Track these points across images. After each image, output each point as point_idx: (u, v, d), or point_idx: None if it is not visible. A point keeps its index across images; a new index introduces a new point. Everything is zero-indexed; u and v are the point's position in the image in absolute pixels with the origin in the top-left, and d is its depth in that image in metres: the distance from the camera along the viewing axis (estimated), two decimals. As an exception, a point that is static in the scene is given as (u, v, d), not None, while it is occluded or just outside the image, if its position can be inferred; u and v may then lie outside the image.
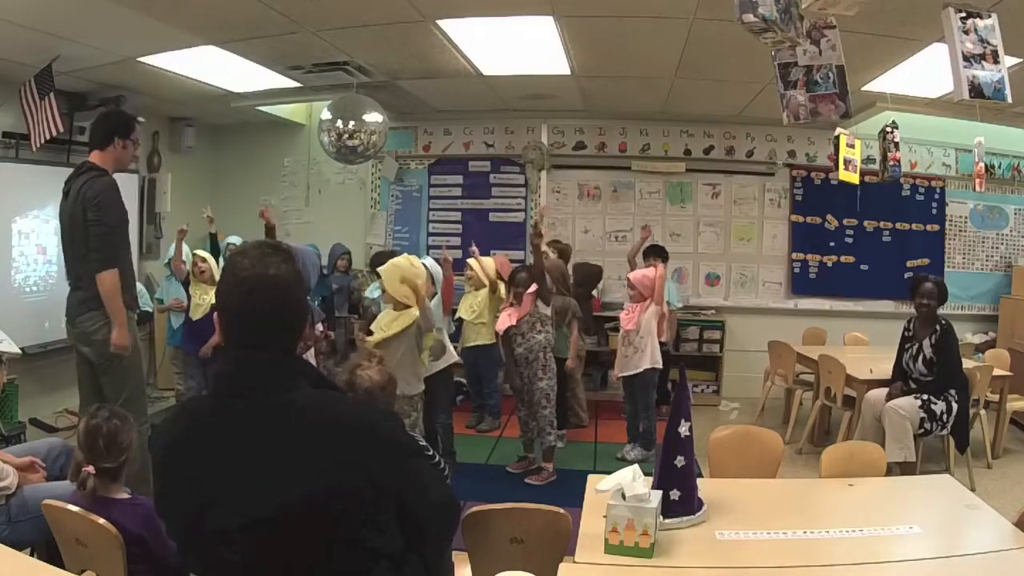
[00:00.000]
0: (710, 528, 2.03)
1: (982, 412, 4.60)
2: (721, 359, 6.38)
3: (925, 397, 4.08)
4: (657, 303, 4.59)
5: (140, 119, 4.96)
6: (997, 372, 4.65)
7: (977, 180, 4.60)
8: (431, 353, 4.10)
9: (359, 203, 7.07)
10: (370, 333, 3.78)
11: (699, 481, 2.12)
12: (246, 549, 1.33)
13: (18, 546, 2.11)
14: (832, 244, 6.57)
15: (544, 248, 4.78)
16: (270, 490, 1.31)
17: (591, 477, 2.24)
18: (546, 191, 6.78)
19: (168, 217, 6.37)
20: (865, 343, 5.81)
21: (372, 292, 5.15)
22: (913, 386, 4.21)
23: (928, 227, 6.53)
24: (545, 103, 6.14)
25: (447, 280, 4.37)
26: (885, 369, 4.44)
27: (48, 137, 4.52)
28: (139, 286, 4.11)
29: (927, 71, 4.24)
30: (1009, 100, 2.75)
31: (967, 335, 6.26)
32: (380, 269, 3.81)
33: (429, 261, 4.40)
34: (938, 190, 6.51)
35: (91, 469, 2.08)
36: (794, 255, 6.62)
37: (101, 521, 1.94)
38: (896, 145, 4.38)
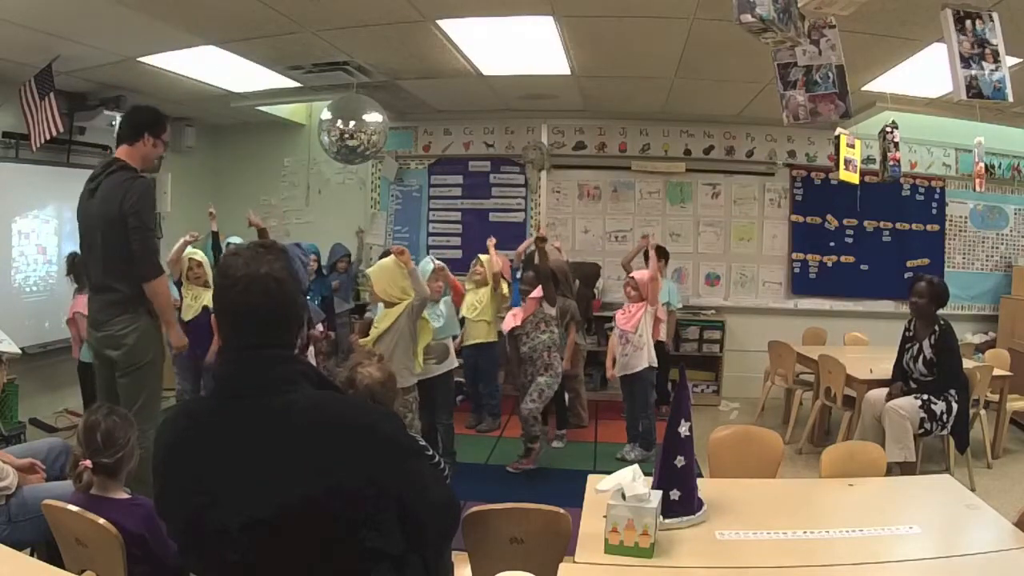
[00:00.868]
0: (710, 528, 2.03)
1: (982, 412, 4.60)
2: (721, 359, 6.38)
3: (925, 397, 4.07)
4: (652, 304, 4.60)
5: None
6: (997, 372, 4.64)
7: (977, 180, 4.60)
8: (435, 357, 4.11)
9: (359, 203, 7.08)
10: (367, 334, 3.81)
11: (699, 481, 2.12)
12: (246, 549, 1.33)
13: (18, 546, 2.11)
14: (832, 244, 6.57)
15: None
16: (270, 490, 1.31)
17: (591, 477, 2.24)
18: (546, 191, 6.78)
19: (168, 217, 6.37)
20: (865, 343, 5.81)
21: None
22: (913, 386, 4.21)
23: (928, 227, 6.53)
24: (545, 103, 6.14)
25: (455, 288, 4.39)
26: (885, 369, 4.44)
27: (48, 137, 4.53)
28: None
29: (927, 71, 4.24)
30: (1010, 99, 2.75)
31: (967, 335, 6.26)
32: (369, 271, 3.84)
33: (425, 261, 4.41)
34: (938, 190, 6.51)
35: (88, 464, 2.08)
36: (794, 255, 6.62)
37: (101, 521, 1.94)
38: (896, 145, 4.38)
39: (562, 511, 2.06)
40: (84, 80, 4.92)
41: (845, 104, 2.98)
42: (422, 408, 3.94)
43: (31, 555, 2.34)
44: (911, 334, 4.34)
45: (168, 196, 6.24)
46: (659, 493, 1.93)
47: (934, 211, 6.53)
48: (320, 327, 5.12)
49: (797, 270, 6.62)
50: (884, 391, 4.25)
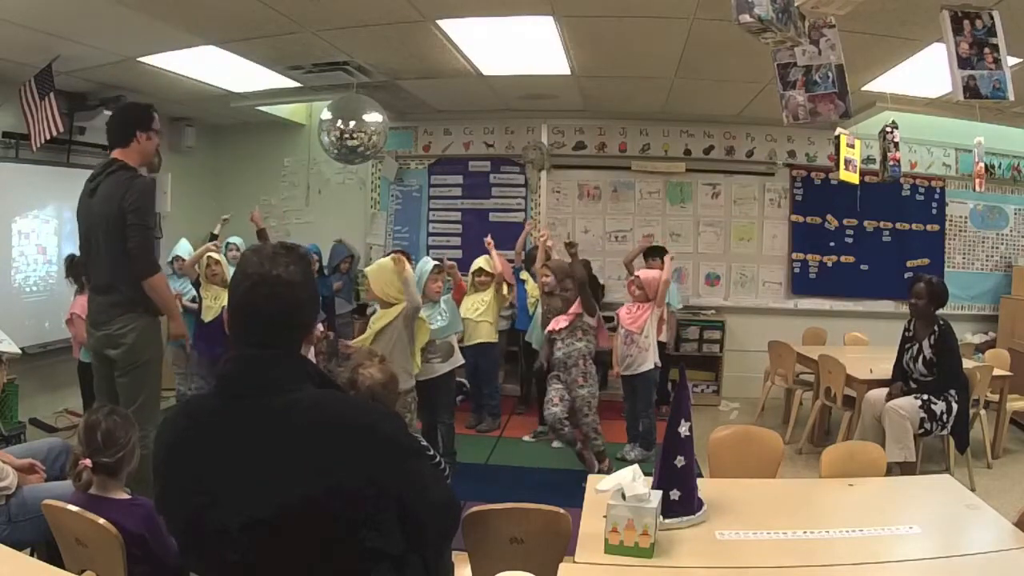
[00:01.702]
0: (710, 528, 2.03)
1: (982, 412, 4.60)
2: (721, 359, 6.38)
3: (925, 397, 4.07)
4: (659, 305, 4.60)
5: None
6: (997, 372, 4.64)
7: (977, 180, 4.60)
8: (440, 355, 4.11)
9: (359, 203, 7.08)
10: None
11: (699, 481, 2.12)
12: (246, 549, 1.33)
13: (18, 546, 2.11)
14: (832, 244, 6.57)
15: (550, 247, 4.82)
16: (270, 490, 1.31)
17: (591, 477, 2.25)
18: (546, 191, 6.78)
19: (168, 217, 6.37)
20: (865, 343, 5.81)
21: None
22: (913, 386, 4.21)
23: (928, 227, 6.53)
24: (545, 103, 6.14)
25: (458, 286, 4.38)
26: (885, 369, 4.44)
27: (48, 137, 4.53)
28: None
29: (927, 71, 4.24)
30: (1011, 98, 2.76)
31: (967, 335, 6.26)
32: (367, 270, 3.83)
33: (423, 261, 4.41)
34: (938, 190, 6.51)
35: (87, 463, 2.09)
36: (794, 255, 6.62)
37: (101, 521, 1.94)
38: (896, 145, 4.38)
39: (562, 511, 2.06)
40: (84, 80, 4.92)
41: (845, 104, 2.99)
42: (422, 408, 3.94)
43: (31, 555, 2.34)
44: (911, 334, 4.34)
45: (168, 196, 6.23)
46: (659, 493, 1.93)
47: (934, 211, 6.53)
48: (320, 327, 5.11)
49: (797, 270, 6.62)
50: (884, 391, 4.25)
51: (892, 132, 4.38)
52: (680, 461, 2.04)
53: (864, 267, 6.55)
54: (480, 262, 5.16)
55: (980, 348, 6.10)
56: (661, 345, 4.97)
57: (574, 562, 1.85)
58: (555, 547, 2.02)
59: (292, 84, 5.35)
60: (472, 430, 5.32)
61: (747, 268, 6.70)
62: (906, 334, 4.39)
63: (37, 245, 5.11)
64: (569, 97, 5.90)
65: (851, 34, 3.21)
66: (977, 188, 4.68)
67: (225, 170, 7.25)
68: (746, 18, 2.16)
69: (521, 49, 4.48)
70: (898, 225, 6.52)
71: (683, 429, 2.05)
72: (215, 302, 4.79)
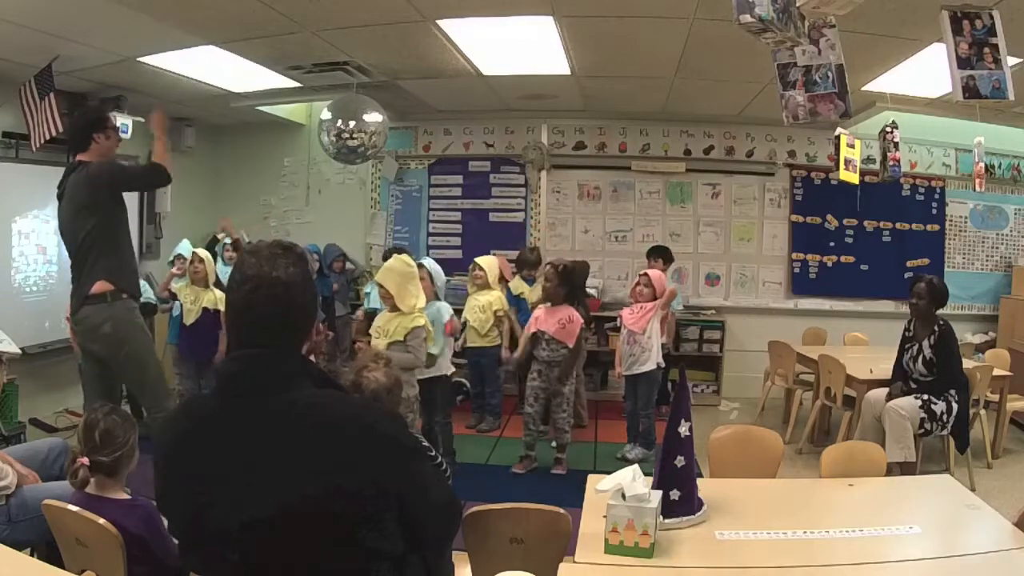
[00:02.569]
0: (710, 528, 2.03)
1: (982, 412, 4.60)
2: (721, 359, 6.38)
3: (925, 397, 4.07)
4: (663, 308, 4.63)
5: (140, 119, 5.00)
6: (997, 372, 4.64)
7: (977, 180, 4.60)
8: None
9: (359, 203, 7.08)
10: (367, 335, 3.78)
11: (699, 481, 2.12)
12: (246, 549, 1.33)
13: (18, 546, 2.11)
14: (832, 244, 6.57)
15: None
16: (271, 490, 1.31)
17: (591, 477, 2.24)
18: (546, 191, 6.78)
19: (168, 217, 6.37)
20: (865, 343, 5.81)
21: (368, 287, 5.16)
22: (913, 386, 4.21)
23: (928, 227, 6.53)
24: (545, 103, 6.14)
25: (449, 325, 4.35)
26: (885, 369, 4.44)
27: (48, 137, 4.52)
28: (141, 282, 4.11)
29: (927, 71, 4.24)
30: (1011, 98, 2.76)
31: (967, 335, 6.26)
32: (379, 279, 3.75)
33: (428, 262, 4.40)
34: (938, 190, 6.51)
35: (85, 461, 2.09)
36: (794, 255, 6.61)
37: (101, 521, 1.94)
38: (896, 145, 4.38)
39: (562, 511, 2.06)
40: (84, 80, 4.92)
41: (845, 104, 2.99)
42: (421, 407, 3.93)
43: (31, 555, 2.34)
44: (911, 334, 4.34)
45: (168, 196, 6.23)
46: (659, 493, 1.93)
47: (934, 211, 6.53)
48: (320, 327, 5.11)
49: (797, 270, 6.62)
50: (884, 391, 4.25)
51: (892, 132, 4.38)
52: (680, 461, 2.04)
53: (864, 267, 6.55)
54: (480, 262, 5.18)
55: (980, 348, 6.10)
56: (662, 345, 4.97)
57: (574, 562, 1.85)
58: (555, 547, 2.01)
59: (292, 84, 5.35)
60: (472, 430, 5.32)
61: (747, 268, 6.70)
62: (906, 334, 4.39)
63: (37, 245, 5.11)
64: (569, 97, 5.89)
65: (851, 34, 3.21)
66: (977, 188, 4.67)
67: (225, 170, 7.24)
68: (747, 18, 2.16)
69: (521, 49, 4.48)
70: (898, 225, 6.52)
71: (683, 429, 2.05)
72: (195, 304, 4.80)
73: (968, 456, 4.23)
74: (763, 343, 5.78)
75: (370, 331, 3.83)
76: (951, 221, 6.54)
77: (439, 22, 3.93)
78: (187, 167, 6.70)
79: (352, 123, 5.06)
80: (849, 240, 6.56)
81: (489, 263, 5.22)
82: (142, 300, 3.85)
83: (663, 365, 4.70)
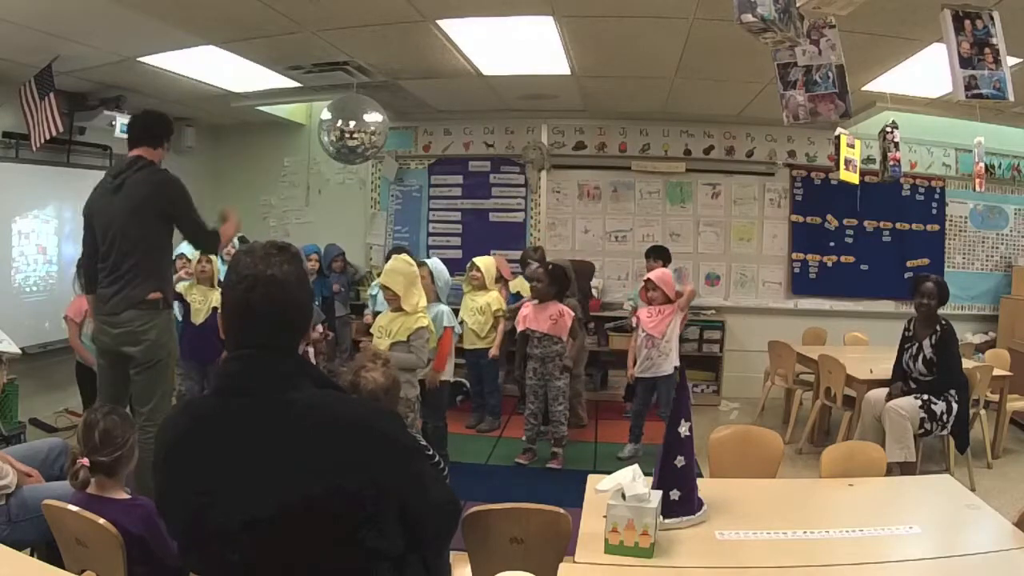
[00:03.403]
0: (710, 528, 2.03)
1: (982, 412, 4.60)
2: (721, 359, 6.38)
3: (925, 397, 4.07)
4: (682, 309, 4.60)
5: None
6: (997, 372, 4.64)
7: (977, 180, 4.60)
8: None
9: (359, 203, 7.08)
10: (368, 334, 3.77)
11: (699, 481, 2.12)
12: (246, 549, 1.33)
13: (18, 546, 2.10)
14: (832, 244, 6.57)
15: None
16: (270, 490, 1.31)
17: (591, 477, 2.24)
18: (546, 191, 6.78)
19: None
20: (865, 343, 5.81)
21: (374, 290, 5.15)
22: (913, 386, 4.21)
23: (928, 227, 6.53)
24: (545, 103, 6.14)
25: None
26: (885, 369, 4.44)
27: (48, 137, 4.53)
28: None
29: (927, 71, 4.24)
30: (1011, 98, 2.75)
31: (967, 335, 6.26)
32: (383, 280, 3.74)
33: (432, 261, 4.40)
34: (938, 190, 6.51)
35: (85, 461, 2.09)
36: (794, 255, 6.61)
37: (101, 521, 1.94)
38: (896, 145, 4.38)
39: (562, 511, 2.05)
40: (84, 80, 4.91)
41: (845, 104, 2.99)
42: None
43: (31, 555, 2.34)
44: (910, 334, 4.34)
45: (168, 196, 6.22)
46: (659, 493, 1.93)
47: (934, 211, 6.52)
48: (320, 328, 5.12)
49: (797, 270, 6.62)
50: (884, 391, 4.25)
51: (892, 132, 4.38)
52: (680, 461, 2.04)
53: (864, 267, 6.55)
54: (477, 262, 5.19)
55: (980, 348, 6.10)
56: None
57: (574, 562, 1.85)
58: (555, 547, 2.01)
59: (292, 84, 5.35)
60: (472, 430, 5.32)
61: (747, 268, 6.70)
62: (906, 334, 4.39)
63: (37, 245, 5.11)
64: (569, 97, 5.89)
65: (851, 34, 3.21)
66: (977, 188, 4.68)
67: (225, 170, 7.24)
68: (748, 17, 2.16)
69: (521, 49, 4.48)
70: (898, 225, 6.52)
71: (683, 429, 2.05)
72: (204, 304, 4.77)
73: (968, 456, 4.23)
74: (763, 343, 5.78)
75: (371, 330, 3.82)
76: (951, 221, 6.54)
77: (439, 22, 3.93)
78: (187, 167, 6.70)
79: (352, 123, 5.06)
80: (849, 240, 6.56)
81: (487, 264, 5.22)
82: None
83: (678, 365, 4.62)
